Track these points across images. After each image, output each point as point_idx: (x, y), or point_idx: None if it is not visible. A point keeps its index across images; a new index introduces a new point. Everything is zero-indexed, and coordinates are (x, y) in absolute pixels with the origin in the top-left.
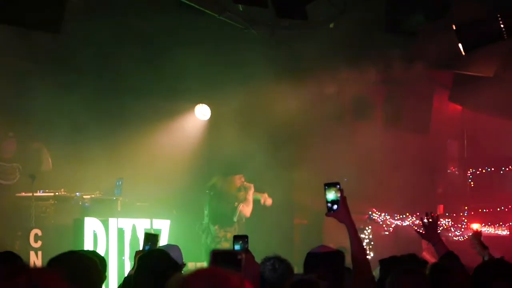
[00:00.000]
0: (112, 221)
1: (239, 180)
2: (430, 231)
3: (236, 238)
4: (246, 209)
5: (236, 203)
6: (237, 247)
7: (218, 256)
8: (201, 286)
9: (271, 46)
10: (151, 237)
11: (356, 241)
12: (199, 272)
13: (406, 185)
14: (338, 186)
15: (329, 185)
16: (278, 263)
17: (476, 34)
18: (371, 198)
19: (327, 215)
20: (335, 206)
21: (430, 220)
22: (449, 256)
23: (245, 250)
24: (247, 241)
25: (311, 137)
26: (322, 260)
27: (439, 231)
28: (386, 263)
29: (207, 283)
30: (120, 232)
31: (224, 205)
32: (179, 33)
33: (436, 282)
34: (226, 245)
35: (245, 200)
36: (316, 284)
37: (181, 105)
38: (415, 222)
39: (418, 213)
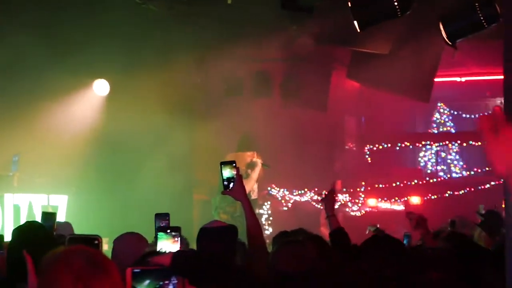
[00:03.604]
0: (7, 197)
1: (249, 157)
2: (328, 203)
3: (160, 224)
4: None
5: None
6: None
7: (74, 240)
8: (78, 264)
9: (169, 22)
10: (48, 216)
11: (251, 217)
12: (75, 250)
13: (305, 161)
14: (234, 164)
15: (225, 164)
16: None
17: (370, 11)
18: (270, 173)
19: (223, 193)
20: (231, 184)
21: (328, 192)
22: (339, 232)
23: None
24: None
25: (210, 113)
26: (215, 235)
27: (336, 206)
28: (277, 238)
29: (85, 257)
30: (16, 208)
31: None
32: (77, 7)
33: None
34: (224, 217)
35: (246, 177)
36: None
37: (79, 80)
38: (313, 198)
39: (316, 189)
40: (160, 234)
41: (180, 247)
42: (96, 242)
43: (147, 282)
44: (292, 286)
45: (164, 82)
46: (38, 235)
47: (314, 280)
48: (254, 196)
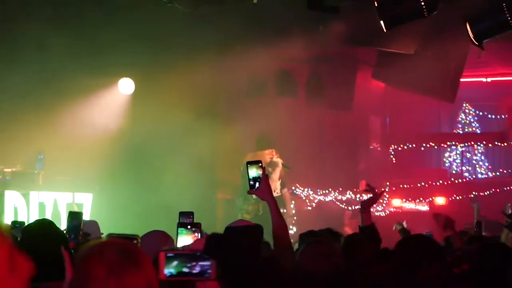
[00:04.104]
0: (33, 195)
1: (268, 155)
2: (366, 201)
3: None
4: None
5: None
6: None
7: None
8: (111, 258)
9: (195, 21)
10: (75, 215)
11: (277, 217)
12: (109, 244)
13: (329, 161)
14: (260, 164)
15: (251, 163)
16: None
17: (397, 11)
18: (294, 173)
19: (249, 192)
20: (257, 184)
21: (371, 193)
22: (369, 228)
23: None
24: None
25: (234, 112)
26: (241, 234)
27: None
28: (304, 237)
29: (118, 250)
30: (41, 206)
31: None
32: (102, 5)
33: (347, 251)
34: (247, 217)
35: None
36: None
37: (104, 79)
38: (338, 198)
39: (340, 189)
40: (181, 229)
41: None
42: (135, 241)
43: (175, 263)
44: (318, 285)
45: (188, 81)
46: (48, 233)
47: (339, 280)
48: (276, 193)
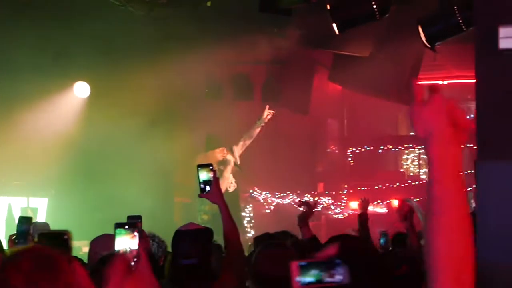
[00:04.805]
0: None
1: (219, 153)
2: (302, 215)
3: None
4: None
5: None
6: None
7: (43, 237)
8: (27, 266)
9: (149, 24)
10: (24, 220)
11: (228, 221)
12: (25, 252)
13: (287, 163)
14: (211, 167)
15: (202, 166)
16: (151, 241)
17: (349, 14)
18: (252, 176)
19: (200, 196)
20: (207, 187)
21: (307, 208)
22: (313, 240)
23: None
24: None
25: (191, 115)
26: (190, 237)
27: (319, 208)
28: (259, 240)
29: (34, 258)
30: None
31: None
32: (57, 9)
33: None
34: (205, 217)
35: (220, 175)
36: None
37: (60, 83)
38: (296, 200)
39: (298, 192)
40: (119, 230)
41: (139, 242)
42: (66, 237)
43: (309, 272)
44: None
45: (145, 85)
46: None
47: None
48: (232, 189)
